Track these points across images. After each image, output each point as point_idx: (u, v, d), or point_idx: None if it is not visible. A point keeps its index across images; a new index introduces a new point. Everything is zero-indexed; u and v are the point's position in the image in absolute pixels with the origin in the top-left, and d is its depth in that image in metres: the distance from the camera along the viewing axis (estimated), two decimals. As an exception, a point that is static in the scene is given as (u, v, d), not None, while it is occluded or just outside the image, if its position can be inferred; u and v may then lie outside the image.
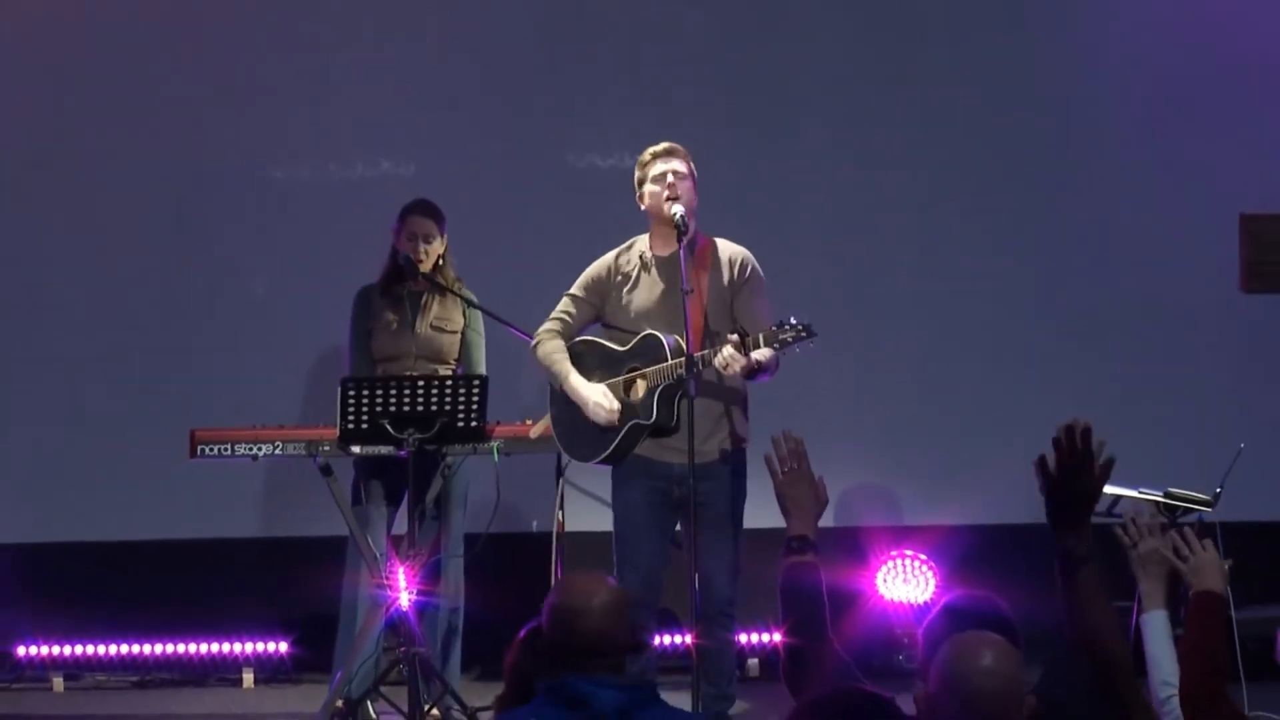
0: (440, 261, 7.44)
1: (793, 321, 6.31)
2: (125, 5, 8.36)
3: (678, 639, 7.82)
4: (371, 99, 8.38)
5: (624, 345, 6.68)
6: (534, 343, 6.83)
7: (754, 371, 6.38)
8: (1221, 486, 6.93)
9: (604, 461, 6.71)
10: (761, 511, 5.75)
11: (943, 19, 8.50)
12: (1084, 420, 3.90)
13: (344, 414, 7.09)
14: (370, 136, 8.43)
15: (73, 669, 8.21)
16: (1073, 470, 3.69)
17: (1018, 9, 8.54)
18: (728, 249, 6.71)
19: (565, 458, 7.24)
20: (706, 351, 6.42)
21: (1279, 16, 8.50)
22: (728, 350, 6.30)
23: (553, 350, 6.76)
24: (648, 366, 6.57)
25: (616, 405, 6.61)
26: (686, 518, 6.46)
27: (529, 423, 7.26)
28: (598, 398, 6.64)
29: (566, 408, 6.77)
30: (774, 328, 6.34)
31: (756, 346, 6.31)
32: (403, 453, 7.08)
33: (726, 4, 8.49)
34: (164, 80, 8.34)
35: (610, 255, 6.79)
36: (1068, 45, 8.53)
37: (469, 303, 7.46)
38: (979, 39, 8.50)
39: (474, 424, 7.11)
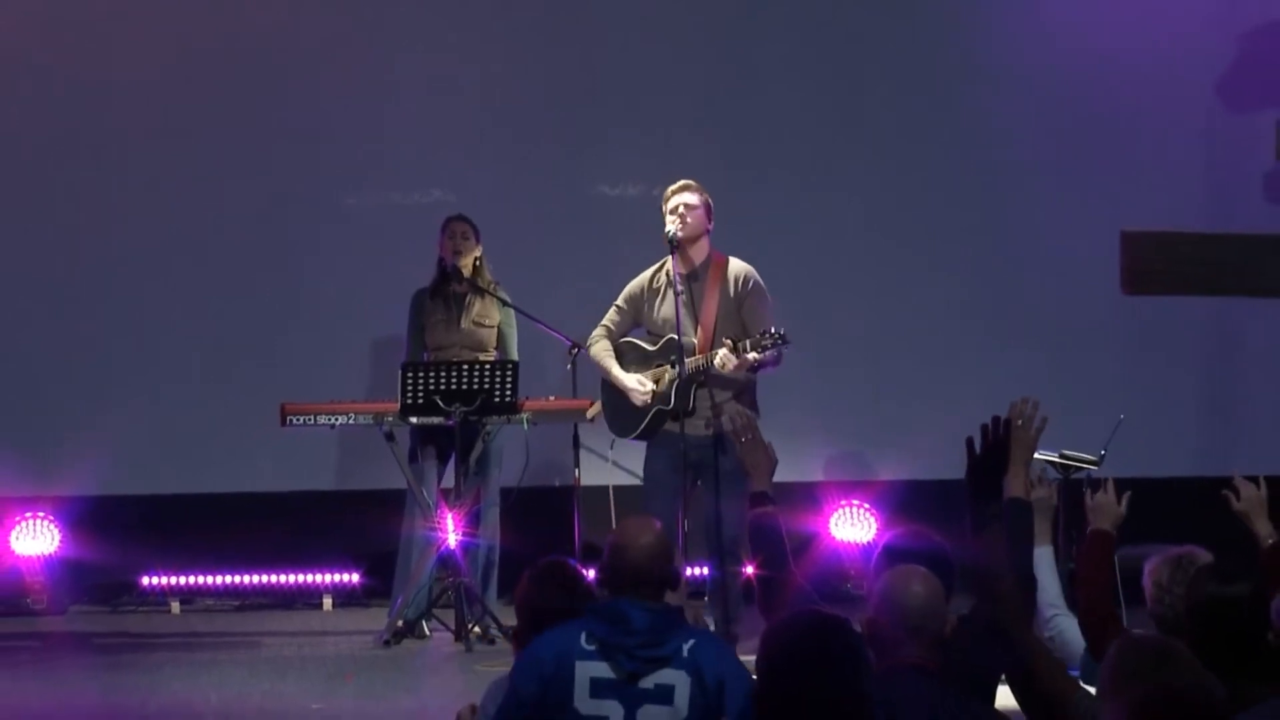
0: (478, 265, 7.46)
1: (773, 331, 6.54)
2: (239, 68, 8.33)
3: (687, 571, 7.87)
4: (424, 140, 8.37)
5: (654, 346, 6.90)
6: (588, 345, 7.02)
7: (755, 368, 6.62)
8: (1105, 449, 6.93)
9: (638, 437, 6.90)
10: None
11: (890, 77, 8.48)
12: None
13: (403, 392, 7.14)
14: (423, 170, 8.40)
15: (187, 595, 8.22)
16: (994, 450, 3.72)
17: (939, 69, 8.51)
18: (735, 266, 6.87)
19: (584, 428, 7.34)
20: (702, 357, 6.64)
21: (1155, 56, 8.49)
22: (722, 352, 6.54)
23: (601, 351, 6.96)
24: (671, 365, 6.75)
25: (650, 385, 6.81)
26: (697, 477, 6.72)
27: (553, 399, 7.40)
28: (633, 384, 6.85)
29: (611, 396, 6.97)
30: (759, 335, 6.56)
31: (746, 351, 6.51)
32: (450, 422, 7.12)
33: (715, 61, 8.47)
34: (266, 124, 8.32)
35: (646, 273, 6.96)
36: (986, 96, 8.49)
37: (504, 302, 7.49)
38: (913, 95, 8.47)
39: (508, 399, 7.16)
